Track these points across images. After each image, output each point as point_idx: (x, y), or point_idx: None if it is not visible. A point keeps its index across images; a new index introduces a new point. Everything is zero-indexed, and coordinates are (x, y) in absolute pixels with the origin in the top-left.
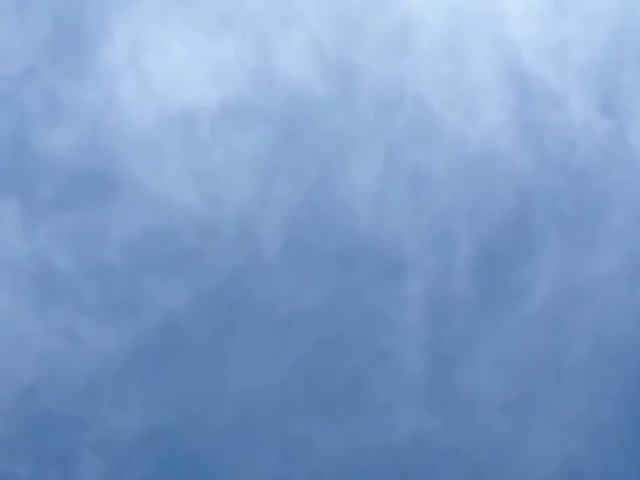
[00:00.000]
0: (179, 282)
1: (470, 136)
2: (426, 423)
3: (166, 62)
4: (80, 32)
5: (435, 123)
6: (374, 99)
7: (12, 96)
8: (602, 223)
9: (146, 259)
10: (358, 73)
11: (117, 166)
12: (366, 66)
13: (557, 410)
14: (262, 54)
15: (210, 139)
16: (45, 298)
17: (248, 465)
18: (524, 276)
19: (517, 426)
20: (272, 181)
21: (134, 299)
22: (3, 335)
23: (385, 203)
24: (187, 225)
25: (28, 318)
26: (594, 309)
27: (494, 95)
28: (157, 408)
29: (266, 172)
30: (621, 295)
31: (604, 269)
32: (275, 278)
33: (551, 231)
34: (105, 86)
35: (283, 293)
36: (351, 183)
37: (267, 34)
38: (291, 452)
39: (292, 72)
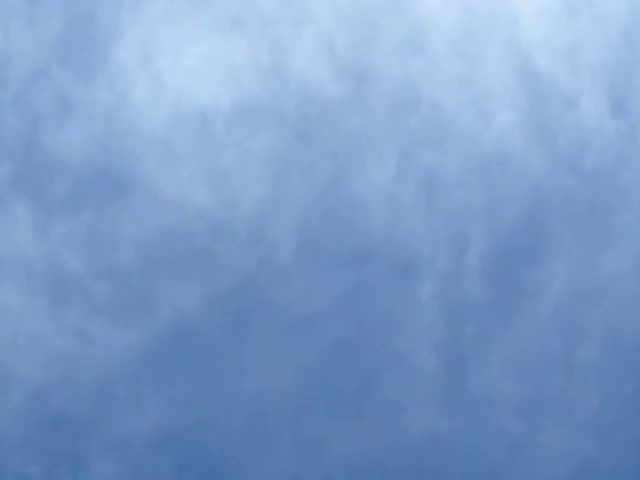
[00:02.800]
0: (192, 283)
1: (483, 137)
2: (440, 423)
3: (179, 63)
4: (92, 32)
5: (448, 124)
6: (387, 100)
7: (24, 96)
8: (615, 223)
9: (159, 260)
10: (371, 74)
11: (130, 167)
12: (379, 67)
13: (570, 410)
14: (275, 55)
15: (223, 140)
16: (57, 299)
17: (262, 466)
18: (537, 276)
19: (530, 426)
20: (285, 182)
21: (147, 300)
22: (15, 336)
23: (398, 204)
24: (200, 225)
25: (40, 319)
26: (607, 309)
27: (507, 96)
28: (170, 409)
29: (279, 173)
30: (634, 295)
31: (617, 269)
32: (289, 279)
33: (564, 231)
34: (117, 87)
35: (296, 294)
36: (365, 184)
37: (280, 35)
38: (305, 453)
39: (305, 73)
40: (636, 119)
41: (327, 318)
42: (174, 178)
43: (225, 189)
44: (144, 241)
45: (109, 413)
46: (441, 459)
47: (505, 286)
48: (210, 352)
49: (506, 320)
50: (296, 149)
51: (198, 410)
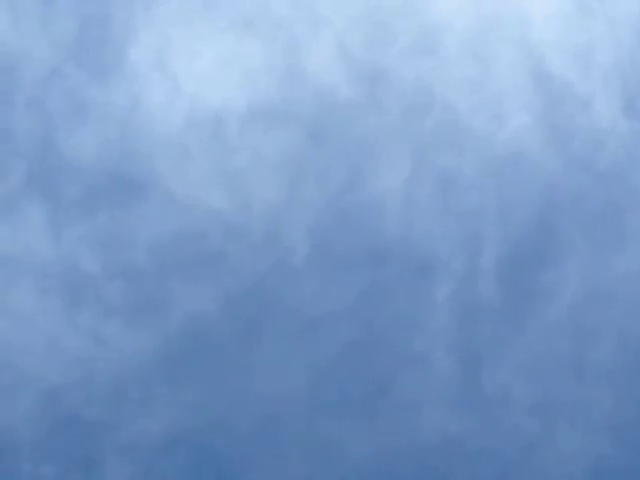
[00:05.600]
0: (206, 285)
1: (497, 138)
2: (454, 424)
3: (193, 65)
4: (106, 33)
5: (462, 126)
6: (401, 102)
7: (38, 98)
8: (628, 224)
9: (173, 261)
10: (385, 76)
11: (144, 168)
12: (393, 69)
13: (584, 410)
14: (290, 57)
15: (237, 142)
16: (72, 301)
17: (274, 468)
18: (550, 277)
19: (544, 426)
20: (300, 183)
21: (160, 302)
22: (30, 338)
23: (413, 205)
24: (214, 227)
25: (55, 321)
26: (619, 310)
27: (520, 98)
28: (182, 411)
29: (294, 174)
30: None
31: (630, 270)
32: (303, 280)
33: (577, 232)
34: (132, 88)
35: (311, 295)
36: (379, 185)
37: (294, 37)
38: (317, 454)
39: (320, 75)
40: None
41: (341, 320)
42: (188, 180)
43: (239, 191)
44: (158, 243)
45: (122, 415)
46: (455, 459)
47: (519, 287)
48: (223, 354)
49: (520, 321)
50: (310, 151)
51: (210, 412)
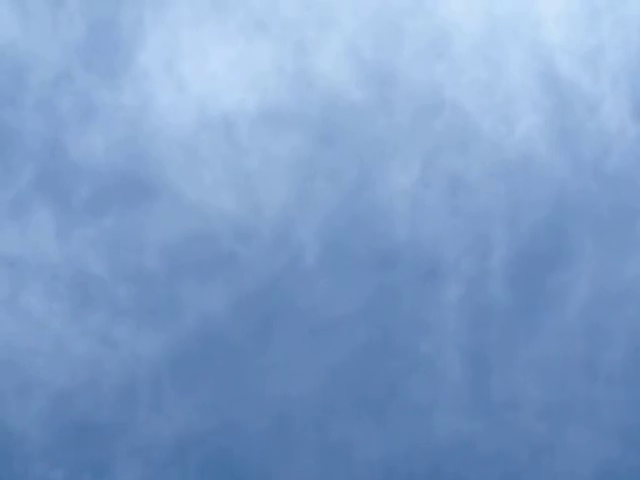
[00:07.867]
0: (217, 287)
1: (506, 141)
2: (465, 427)
3: (203, 66)
4: (116, 36)
5: (472, 128)
6: (411, 104)
7: (47, 100)
8: (637, 226)
9: (183, 264)
10: (395, 78)
11: (154, 170)
12: (403, 71)
13: (595, 413)
14: (300, 59)
15: (248, 144)
16: (81, 303)
17: (286, 470)
18: (560, 280)
19: (554, 429)
20: (310, 186)
21: (171, 304)
22: (40, 340)
23: (423, 208)
24: (225, 230)
25: (64, 323)
26: (630, 312)
27: (530, 100)
28: (194, 413)
29: (304, 177)
30: None
31: None
32: (313, 282)
33: (587, 235)
34: (141, 90)
35: (321, 297)
36: (389, 188)
37: (305, 39)
38: (330, 457)
39: (330, 77)
40: None
41: (352, 322)
42: (198, 182)
43: (249, 193)
44: (168, 245)
45: (133, 418)
46: (465, 462)
47: (529, 289)
48: (234, 356)
49: (530, 323)
50: (320, 153)
51: (222, 414)
